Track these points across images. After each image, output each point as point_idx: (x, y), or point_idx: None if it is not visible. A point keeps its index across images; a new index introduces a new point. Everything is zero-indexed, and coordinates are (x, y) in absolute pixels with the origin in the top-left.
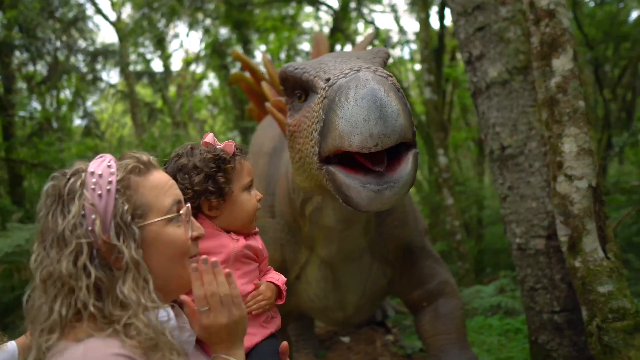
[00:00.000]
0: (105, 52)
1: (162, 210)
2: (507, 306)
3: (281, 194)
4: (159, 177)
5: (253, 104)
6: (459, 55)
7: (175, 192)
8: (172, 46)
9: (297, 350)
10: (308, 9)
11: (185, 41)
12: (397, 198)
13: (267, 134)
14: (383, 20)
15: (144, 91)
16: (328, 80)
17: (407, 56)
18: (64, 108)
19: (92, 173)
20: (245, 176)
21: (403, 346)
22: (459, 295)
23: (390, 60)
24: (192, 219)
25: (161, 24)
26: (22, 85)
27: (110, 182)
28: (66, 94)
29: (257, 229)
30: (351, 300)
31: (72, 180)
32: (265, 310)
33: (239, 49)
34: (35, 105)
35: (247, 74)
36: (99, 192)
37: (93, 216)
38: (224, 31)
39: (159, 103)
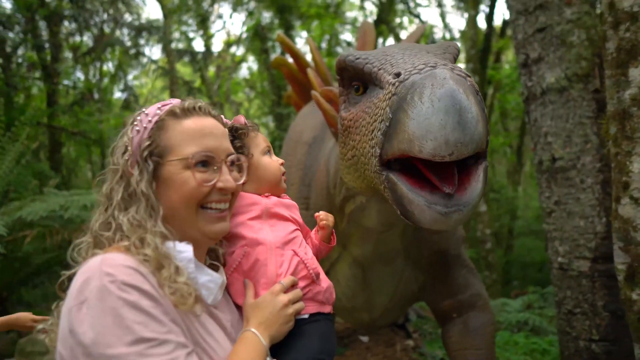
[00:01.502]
0: (149, 28)
1: (181, 154)
2: (535, 324)
3: (318, 187)
4: (196, 123)
5: (293, 90)
6: (503, 58)
7: (208, 143)
8: (215, 27)
9: None
10: None
11: (228, 22)
12: (464, 221)
13: (308, 122)
14: (428, 15)
15: (183, 69)
16: (398, 75)
17: None
18: (106, 80)
19: (142, 112)
20: (261, 142)
21: (423, 353)
22: (491, 310)
23: None
24: (225, 170)
25: (206, 3)
26: (68, 55)
27: (149, 122)
28: (109, 66)
29: (291, 201)
30: (379, 303)
31: (132, 117)
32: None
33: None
34: (79, 75)
35: (290, 60)
36: (138, 128)
37: (129, 148)
38: (267, 15)
39: (198, 82)
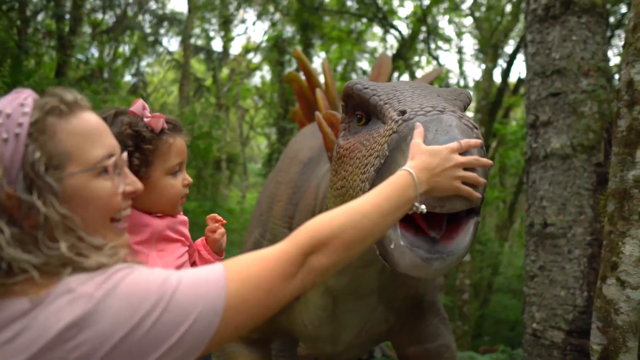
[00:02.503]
0: (171, 19)
1: (85, 161)
2: None
3: (304, 209)
4: (87, 121)
5: (300, 107)
6: (512, 114)
7: (109, 142)
8: (237, 30)
9: None
10: (377, 29)
11: (250, 29)
12: (445, 272)
13: (307, 142)
14: (447, 60)
15: (197, 66)
16: (403, 112)
17: None
18: (119, 62)
19: (0, 112)
20: (172, 157)
21: None
22: None
23: None
24: (127, 170)
25: (232, 6)
26: (86, 30)
27: (20, 125)
28: (125, 49)
29: (183, 217)
30: (345, 337)
31: None
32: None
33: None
34: (94, 52)
35: (302, 77)
36: (5, 135)
37: None
38: (289, 29)
39: (209, 81)
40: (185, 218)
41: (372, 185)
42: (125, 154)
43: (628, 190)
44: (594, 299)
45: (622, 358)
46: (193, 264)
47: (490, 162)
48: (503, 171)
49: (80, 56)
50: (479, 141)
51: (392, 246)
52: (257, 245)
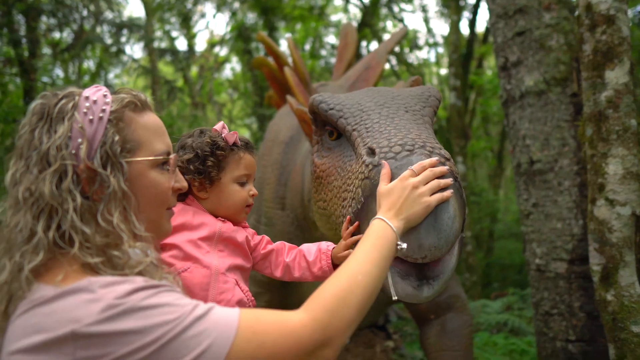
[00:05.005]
0: (130, 25)
1: (151, 151)
2: (514, 325)
3: (294, 188)
4: (154, 119)
5: (273, 90)
6: (485, 63)
7: (167, 141)
8: (198, 26)
9: None
10: (337, 1)
11: (212, 22)
12: (435, 295)
13: (285, 122)
14: (412, 20)
15: (165, 69)
16: (372, 152)
17: (433, 59)
18: (86, 78)
19: (87, 98)
20: (240, 168)
21: (403, 354)
22: (469, 311)
23: (415, 63)
24: (178, 171)
25: (189, 2)
26: (46, 50)
27: (103, 110)
28: (89, 64)
29: (248, 227)
30: None
31: (63, 101)
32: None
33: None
34: (58, 72)
35: (271, 60)
36: (91, 117)
37: (80, 140)
38: (251, 16)
39: (180, 82)
40: (252, 231)
41: (352, 224)
42: (176, 155)
43: (603, 111)
44: (587, 222)
45: (621, 273)
46: (285, 267)
47: (445, 168)
48: (486, 121)
49: (45, 79)
50: (433, 160)
51: (386, 278)
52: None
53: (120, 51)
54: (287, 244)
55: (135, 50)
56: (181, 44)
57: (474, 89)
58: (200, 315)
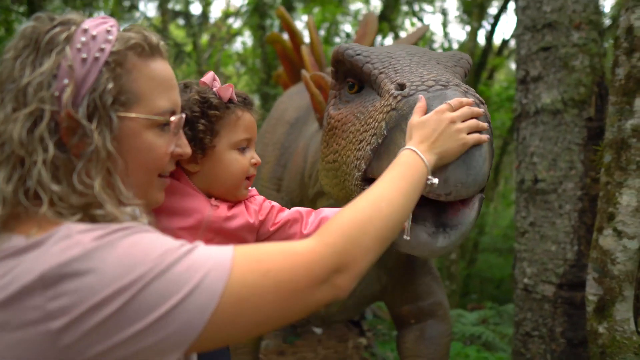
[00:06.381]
0: None
1: (152, 108)
2: (488, 339)
3: (293, 171)
4: (162, 69)
5: (283, 69)
6: (496, 76)
7: (174, 97)
8: None
9: None
10: None
11: None
12: (449, 249)
13: (293, 102)
14: (430, 22)
15: (177, 32)
16: (402, 86)
17: None
18: None
19: (85, 31)
20: (239, 131)
21: (374, 353)
22: (449, 320)
23: None
24: (182, 133)
25: None
26: None
27: (102, 50)
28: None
29: (252, 195)
30: None
31: (57, 29)
32: None
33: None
34: None
35: (286, 37)
36: (84, 55)
37: (66, 80)
38: None
39: (189, 47)
40: (259, 200)
41: (369, 164)
42: (183, 116)
43: (626, 139)
44: (590, 250)
45: (618, 307)
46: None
47: (482, 110)
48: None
49: None
50: (470, 100)
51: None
52: None
53: (134, 7)
54: (304, 210)
55: (149, 8)
56: (196, 9)
57: None
58: (188, 250)
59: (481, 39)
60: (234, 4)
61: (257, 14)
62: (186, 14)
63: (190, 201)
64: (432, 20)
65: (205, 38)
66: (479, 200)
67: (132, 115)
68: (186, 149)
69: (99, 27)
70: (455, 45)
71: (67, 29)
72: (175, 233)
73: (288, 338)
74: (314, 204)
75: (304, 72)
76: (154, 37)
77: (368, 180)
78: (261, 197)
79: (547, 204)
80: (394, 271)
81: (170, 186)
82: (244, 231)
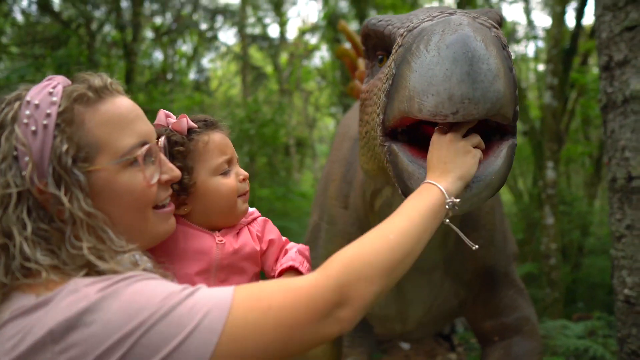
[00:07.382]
0: (225, 12)
1: (116, 151)
2: (596, 354)
3: (358, 185)
4: (115, 107)
5: (355, 81)
6: (591, 60)
7: (141, 129)
8: (290, 13)
9: (351, 346)
10: None
11: (304, 10)
12: (474, 203)
13: (356, 116)
14: (511, 12)
15: (256, 55)
16: (410, 29)
17: (531, 54)
18: (183, 62)
19: (28, 103)
20: (214, 156)
21: None
22: (539, 337)
23: (512, 55)
24: (163, 158)
25: None
26: (148, 34)
27: (48, 115)
28: (186, 48)
29: (253, 213)
30: (413, 315)
31: (5, 111)
32: None
33: (355, 25)
34: (158, 55)
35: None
36: (33, 127)
37: (27, 158)
38: (343, 4)
39: (269, 69)
40: (260, 222)
41: (385, 113)
42: (162, 140)
43: None
44: None
45: None
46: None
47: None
48: (586, 123)
49: (145, 61)
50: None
51: (411, 182)
52: (316, 229)
53: (215, 37)
54: (287, 241)
55: (228, 35)
56: (273, 31)
57: (575, 87)
58: (190, 293)
59: (571, 22)
60: (309, 21)
61: (332, 28)
62: (264, 37)
63: (196, 242)
64: (512, 9)
65: (284, 57)
66: (508, 147)
67: (98, 167)
68: (173, 172)
69: (41, 93)
70: (540, 33)
71: (11, 108)
72: (192, 279)
73: (374, 354)
74: (373, 208)
75: (356, 81)
76: (98, 79)
77: (389, 134)
78: (262, 218)
79: None
80: (472, 285)
81: (177, 228)
82: (253, 259)
